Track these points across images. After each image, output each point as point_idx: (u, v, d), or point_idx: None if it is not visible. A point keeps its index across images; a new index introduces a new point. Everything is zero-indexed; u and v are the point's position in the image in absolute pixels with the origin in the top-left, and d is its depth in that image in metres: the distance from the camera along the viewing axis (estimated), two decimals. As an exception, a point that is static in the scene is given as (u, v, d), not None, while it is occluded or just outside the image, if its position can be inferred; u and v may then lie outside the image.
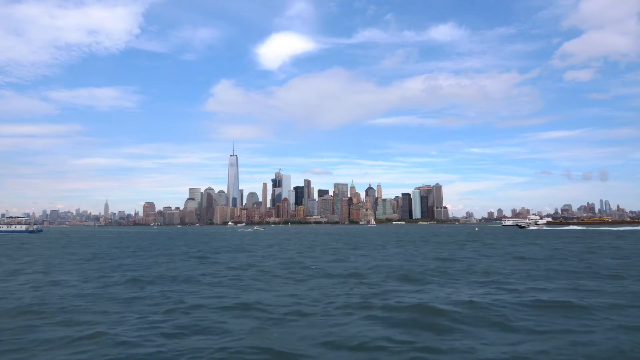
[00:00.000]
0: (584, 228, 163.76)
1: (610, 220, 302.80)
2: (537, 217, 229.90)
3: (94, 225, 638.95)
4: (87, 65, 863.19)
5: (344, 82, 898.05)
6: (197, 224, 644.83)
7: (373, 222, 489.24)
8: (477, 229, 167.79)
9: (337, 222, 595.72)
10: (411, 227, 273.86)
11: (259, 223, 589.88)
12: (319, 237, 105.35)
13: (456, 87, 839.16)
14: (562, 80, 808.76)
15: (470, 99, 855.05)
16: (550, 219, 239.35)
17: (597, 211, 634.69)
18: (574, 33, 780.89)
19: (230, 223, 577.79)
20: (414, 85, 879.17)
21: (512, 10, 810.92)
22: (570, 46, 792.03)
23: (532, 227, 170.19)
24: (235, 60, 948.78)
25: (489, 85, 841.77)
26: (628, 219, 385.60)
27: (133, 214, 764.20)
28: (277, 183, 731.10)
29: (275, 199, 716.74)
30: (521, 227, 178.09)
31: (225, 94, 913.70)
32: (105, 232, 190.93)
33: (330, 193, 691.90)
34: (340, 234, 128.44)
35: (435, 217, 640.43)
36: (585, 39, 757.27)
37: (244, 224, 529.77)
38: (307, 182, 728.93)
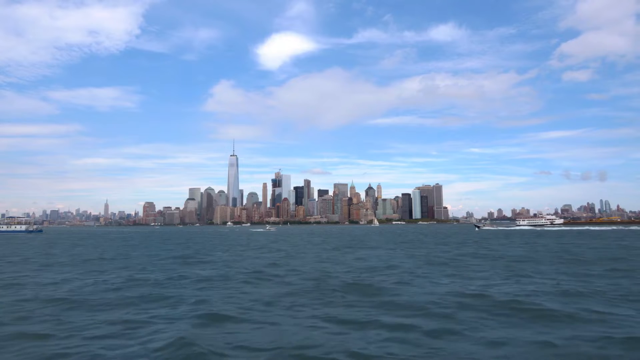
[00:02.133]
0: (590, 228, 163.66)
1: (619, 219, 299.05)
2: (554, 217, 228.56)
3: (94, 226, 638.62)
4: (88, 66, 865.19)
5: (343, 82, 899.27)
6: (197, 224, 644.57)
7: (376, 222, 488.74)
8: (477, 229, 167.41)
9: (337, 222, 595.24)
10: (410, 227, 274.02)
11: (259, 223, 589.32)
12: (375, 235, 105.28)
13: (454, 87, 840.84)
14: (560, 80, 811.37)
15: (469, 99, 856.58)
16: (562, 220, 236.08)
17: (597, 211, 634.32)
18: (572, 34, 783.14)
19: (229, 223, 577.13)
20: (413, 86, 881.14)
21: (513, 11, 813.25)
22: (568, 47, 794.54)
23: (485, 227, 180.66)
24: (235, 61, 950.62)
25: (487, 85, 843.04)
26: (633, 219, 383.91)
27: (133, 214, 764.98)
28: (277, 183, 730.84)
29: (275, 199, 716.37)
30: (477, 227, 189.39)
31: (224, 94, 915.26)
32: (128, 233, 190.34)
33: (330, 193, 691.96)
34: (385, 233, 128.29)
35: (435, 217, 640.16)
36: (583, 39, 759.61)
37: (248, 224, 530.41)
38: (307, 182, 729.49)
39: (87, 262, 39.15)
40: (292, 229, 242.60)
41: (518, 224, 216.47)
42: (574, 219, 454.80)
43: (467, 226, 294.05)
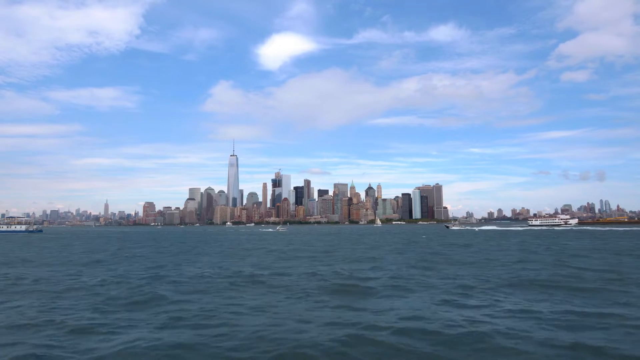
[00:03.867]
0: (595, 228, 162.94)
1: (626, 219, 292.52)
2: (568, 217, 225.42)
3: (93, 226, 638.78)
4: (88, 66, 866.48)
5: (342, 82, 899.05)
6: (197, 224, 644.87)
7: (378, 222, 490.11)
8: (477, 229, 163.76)
9: (337, 222, 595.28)
10: (409, 227, 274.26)
11: (259, 223, 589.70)
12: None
13: (451, 87, 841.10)
14: (559, 81, 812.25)
15: (468, 100, 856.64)
16: (576, 220, 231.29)
17: (597, 211, 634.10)
18: (570, 34, 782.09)
19: (229, 223, 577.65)
20: (412, 86, 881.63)
21: (514, 11, 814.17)
22: (566, 47, 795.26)
23: (455, 227, 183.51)
24: (235, 61, 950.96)
25: (485, 86, 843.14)
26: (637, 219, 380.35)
27: (133, 214, 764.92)
28: (277, 183, 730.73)
29: (275, 199, 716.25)
30: (447, 227, 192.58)
31: (223, 94, 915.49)
32: (119, 233, 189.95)
33: (330, 193, 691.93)
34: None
35: (435, 217, 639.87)
36: (581, 40, 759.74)
37: (252, 224, 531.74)
38: (307, 182, 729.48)
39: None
40: (305, 229, 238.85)
41: (530, 224, 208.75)
42: (583, 219, 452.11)
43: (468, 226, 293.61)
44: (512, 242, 70.77)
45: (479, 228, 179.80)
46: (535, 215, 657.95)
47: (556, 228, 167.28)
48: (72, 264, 38.30)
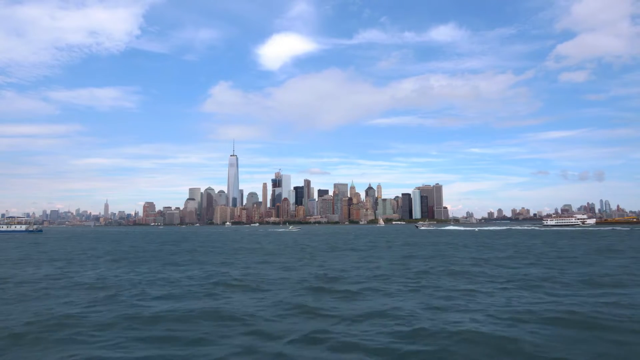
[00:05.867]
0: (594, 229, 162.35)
1: (634, 219, 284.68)
2: (585, 217, 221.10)
3: (92, 226, 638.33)
4: (88, 66, 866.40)
5: (342, 82, 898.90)
6: (197, 224, 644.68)
7: (381, 222, 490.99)
8: (476, 230, 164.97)
9: (337, 222, 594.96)
10: (408, 227, 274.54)
11: (259, 223, 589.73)
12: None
13: (451, 87, 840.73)
14: (557, 81, 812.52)
15: (467, 100, 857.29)
16: (594, 220, 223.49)
17: (597, 211, 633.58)
18: (568, 35, 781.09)
19: (228, 223, 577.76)
20: (412, 86, 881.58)
21: (514, 11, 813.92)
22: (564, 48, 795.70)
23: (424, 227, 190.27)
24: (236, 61, 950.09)
25: (483, 86, 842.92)
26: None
27: (133, 214, 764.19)
28: (277, 183, 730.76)
29: (275, 199, 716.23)
30: (417, 227, 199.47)
31: (223, 95, 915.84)
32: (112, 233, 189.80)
33: (330, 193, 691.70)
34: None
35: (435, 217, 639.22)
36: (578, 41, 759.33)
37: (257, 224, 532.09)
38: (307, 182, 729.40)
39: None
40: (316, 229, 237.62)
41: (545, 223, 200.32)
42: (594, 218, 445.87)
43: (468, 226, 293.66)
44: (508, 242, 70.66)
45: (446, 228, 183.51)
46: (535, 215, 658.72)
47: (574, 228, 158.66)
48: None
